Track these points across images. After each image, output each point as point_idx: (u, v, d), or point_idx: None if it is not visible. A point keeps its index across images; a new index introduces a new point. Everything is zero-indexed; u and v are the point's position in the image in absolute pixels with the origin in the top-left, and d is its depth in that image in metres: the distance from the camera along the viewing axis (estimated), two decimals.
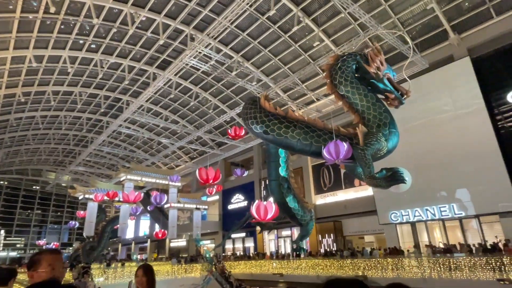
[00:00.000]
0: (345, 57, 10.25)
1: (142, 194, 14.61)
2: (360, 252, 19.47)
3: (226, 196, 32.84)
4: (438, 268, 14.60)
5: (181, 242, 38.55)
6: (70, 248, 56.72)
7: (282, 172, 12.92)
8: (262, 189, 30.20)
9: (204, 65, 20.00)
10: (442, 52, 19.37)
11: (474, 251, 15.05)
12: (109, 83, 27.73)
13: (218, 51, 22.39)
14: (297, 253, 18.50)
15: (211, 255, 18.04)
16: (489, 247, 15.00)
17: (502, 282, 12.52)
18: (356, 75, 10.28)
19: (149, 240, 43.67)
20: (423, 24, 19.18)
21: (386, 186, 8.76)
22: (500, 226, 17.06)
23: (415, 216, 18.69)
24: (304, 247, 16.30)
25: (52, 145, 39.86)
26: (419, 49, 18.10)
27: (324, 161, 25.87)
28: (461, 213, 17.08)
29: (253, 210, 7.89)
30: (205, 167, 9.54)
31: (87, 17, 19.40)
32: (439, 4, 17.88)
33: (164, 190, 36.59)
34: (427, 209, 18.20)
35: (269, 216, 7.75)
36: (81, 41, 22.44)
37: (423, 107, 18.42)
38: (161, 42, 21.41)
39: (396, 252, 17.81)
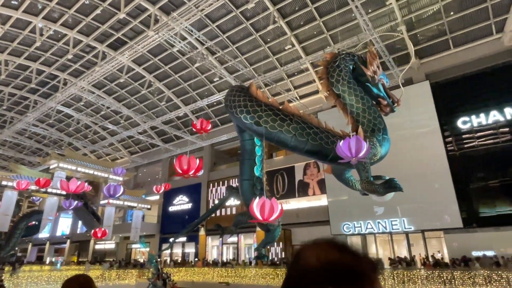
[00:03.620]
0: (343, 56, 9.79)
1: (86, 184, 12.25)
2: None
3: (168, 196, 30.43)
4: (392, 280, 14.86)
5: (108, 245, 34.66)
6: None
7: (257, 171, 11.90)
8: (209, 191, 28.64)
9: (180, 42, 18.22)
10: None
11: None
12: (46, 56, 23.87)
13: (182, 38, 20.68)
14: (261, 261, 17.50)
15: (156, 260, 15.99)
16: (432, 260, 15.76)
17: None
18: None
19: (68, 240, 38.56)
20: (389, 44, 20.05)
21: (383, 192, 8.39)
22: (436, 242, 18.60)
23: (367, 228, 19.09)
24: (266, 255, 15.35)
25: None
26: (397, 63, 18.91)
27: (281, 167, 25.21)
28: (411, 228, 17.86)
29: (255, 208, 6.74)
30: (182, 156, 8.02)
31: None
32: (406, 27, 18.85)
33: (94, 184, 32.74)
34: (379, 222, 18.71)
35: (274, 216, 6.68)
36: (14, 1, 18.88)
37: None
38: (121, 16, 19.02)
39: None
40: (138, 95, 28.00)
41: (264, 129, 8.91)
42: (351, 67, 9.78)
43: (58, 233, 41.28)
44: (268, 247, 23.32)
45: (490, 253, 15.62)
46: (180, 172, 8.02)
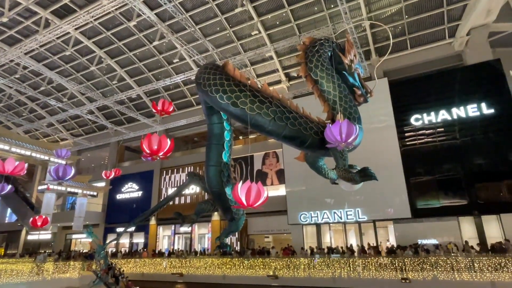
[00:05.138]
0: (322, 41, 9.52)
1: (26, 165, 10.50)
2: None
3: (116, 183, 28.34)
4: (348, 268, 15.36)
5: (43, 235, 31.48)
6: None
7: (225, 157, 11.25)
8: (162, 179, 27.27)
9: (144, 14, 16.74)
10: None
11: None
12: None
13: (138, 15, 19.08)
14: (224, 250, 16.89)
15: (105, 251, 14.68)
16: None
17: (404, 281, 13.88)
18: None
19: None
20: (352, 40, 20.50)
21: (359, 181, 8.38)
22: (384, 231, 19.86)
23: (323, 218, 19.54)
24: (229, 244, 14.87)
25: None
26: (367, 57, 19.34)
27: (240, 156, 24.78)
28: (364, 218, 18.64)
29: (240, 192, 6.19)
30: (152, 135, 7.06)
31: None
32: (370, 25, 19.39)
33: (28, 168, 29.42)
34: (334, 212, 19.24)
35: (260, 202, 6.21)
36: None
37: None
38: None
39: (261, 253, 19.15)
40: (85, 71, 25.44)
41: (242, 110, 8.34)
42: (329, 53, 9.58)
43: None
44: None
45: (433, 241, 16.90)
46: (149, 152, 7.17)
